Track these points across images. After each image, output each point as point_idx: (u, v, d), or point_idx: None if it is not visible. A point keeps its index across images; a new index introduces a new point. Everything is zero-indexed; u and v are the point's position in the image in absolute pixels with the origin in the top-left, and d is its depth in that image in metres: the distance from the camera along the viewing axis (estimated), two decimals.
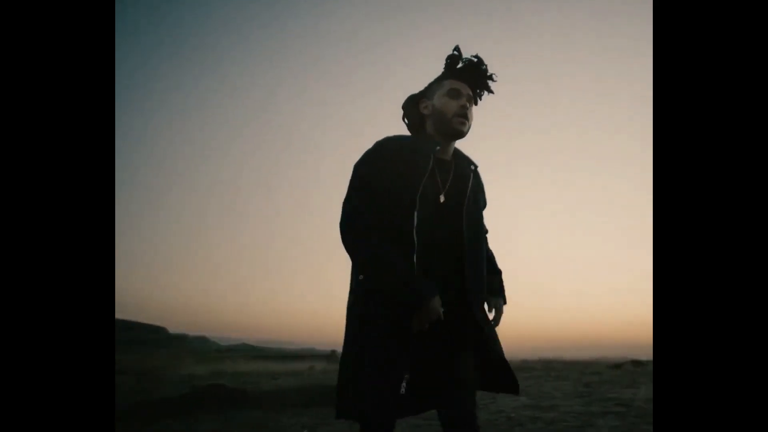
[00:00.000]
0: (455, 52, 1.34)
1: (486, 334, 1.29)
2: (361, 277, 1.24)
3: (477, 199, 1.38)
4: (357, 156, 1.30)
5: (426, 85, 1.40)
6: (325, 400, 6.03)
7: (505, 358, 1.31)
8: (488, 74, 1.36)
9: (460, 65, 1.35)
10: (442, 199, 1.29)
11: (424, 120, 1.37)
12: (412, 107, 1.40)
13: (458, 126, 1.32)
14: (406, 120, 1.41)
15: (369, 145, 1.30)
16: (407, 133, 1.42)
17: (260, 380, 9.21)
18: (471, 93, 1.35)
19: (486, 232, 1.48)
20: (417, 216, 1.21)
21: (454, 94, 1.33)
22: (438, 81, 1.37)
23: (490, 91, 1.37)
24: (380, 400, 1.15)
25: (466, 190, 1.32)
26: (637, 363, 11.19)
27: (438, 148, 1.30)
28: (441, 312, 1.17)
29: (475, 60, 1.33)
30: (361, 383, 1.18)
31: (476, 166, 1.39)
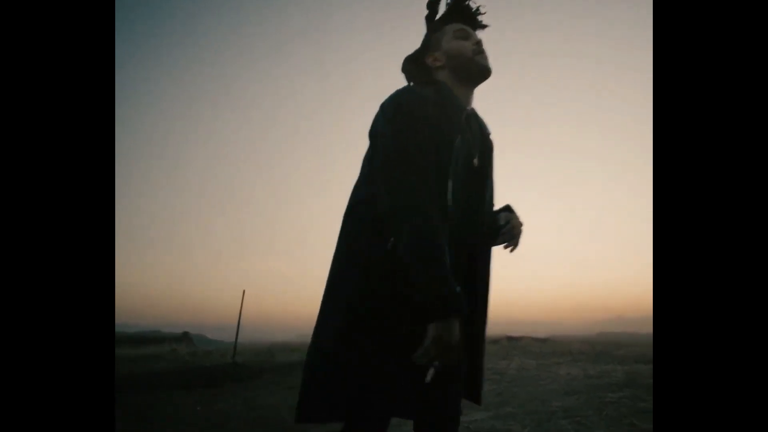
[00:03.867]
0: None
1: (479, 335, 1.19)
2: (390, 245, 1.05)
3: (492, 166, 1.29)
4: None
5: (417, 47, 1.34)
6: (211, 380, 6.19)
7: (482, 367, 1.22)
8: (474, 9, 1.33)
9: (447, 9, 1.33)
10: (476, 162, 1.20)
11: (436, 76, 1.29)
12: (416, 67, 1.32)
13: (482, 61, 1.26)
14: (408, 80, 1.34)
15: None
16: None
17: (128, 365, 8.87)
18: (473, 32, 1.32)
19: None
20: (452, 179, 1.10)
21: (462, 35, 1.29)
22: (435, 31, 1.32)
23: (485, 26, 1.35)
24: (387, 394, 1.03)
25: (491, 153, 1.25)
26: (511, 339, 13.27)
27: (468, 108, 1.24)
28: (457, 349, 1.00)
29: (472, 7, 1.33)
30: (365, 370, 1.04)
31: (489, 132, 1.32)
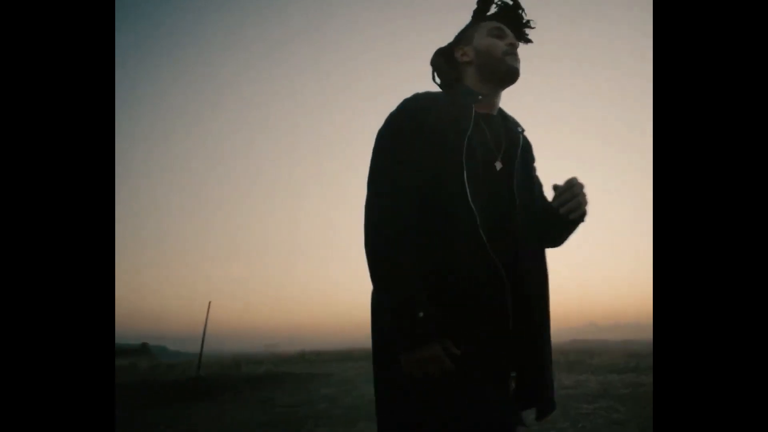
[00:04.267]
0: None
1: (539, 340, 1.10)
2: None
3: (530, 168, 1.22)
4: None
5: (453, 38, 1.29)
6: (175, 396, 5.96)
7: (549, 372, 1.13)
8: (526, 21, 1.28)
9: (495, 7, 1.28)
10: (498, 165, 1.13)
11: (462, 72, 1.24)
12: (444, 61, 1.27)
13: (512, 63, 1.19)
14: (437, 78, 1.28)
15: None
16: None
17: None
18: (509, 33, 1.25)
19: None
20: (468, 183, 1.04)
21: (498, 32, 1.23)
22: (472, 26, 1.27)
23: (529, 40, 1.29)
24: (491, 411, 0.97)
25: (516, 155, 1.16)
26: None
27: (480, 97, 1.17)
28: (442, 358, 0.95)
29: (512, 2, 1.27)
30: (449, 400, 0.96)
31: (523, 129, 1.25)
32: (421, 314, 0.94)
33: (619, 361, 8.27)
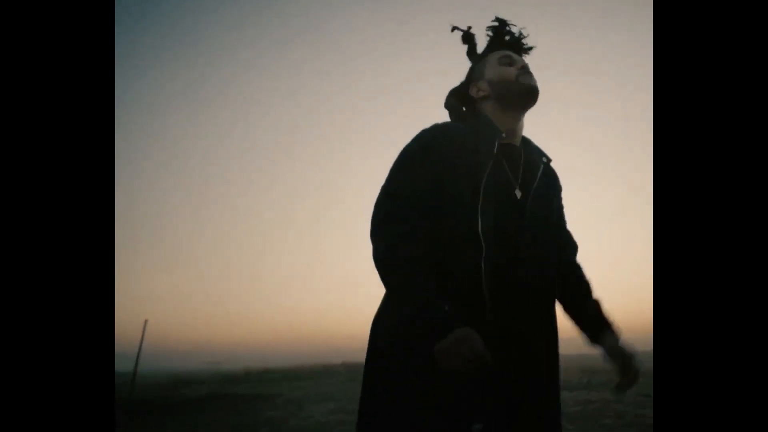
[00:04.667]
0: (495, 22, 1.32)
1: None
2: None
3: (549, 197, 1.22)
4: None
5: (460, 82, 1.34)
6: None
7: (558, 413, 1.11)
8: (519, 35, 1.33)
9: (501, 37, 1.32)
10: (518, 194, 1.15)
11: (480, 108, 1.26)
12: (459, 100, 1.31)
13: (528, 80, 1.22)
14: (451, 115, 1.32)
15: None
16: None
17: None
18: (517, 58, 1.29)
19: (572, 246, 1.29)
20: (482, 212, 1.05)
21: (507, 61, 1.26)
22: (480, 61, 1.31)
23: (530, 48, 1.35)
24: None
25: (533, 183, 1.17)
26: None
27: (503, 134, 1.18)
28: (478, 349, 0.93)
29: (516, 32, 1.32)
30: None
31: (549, 159, 1.26)
32: (447, 308, 0.96)
33: (572, 377, 8.35)
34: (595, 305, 1.24)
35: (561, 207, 1.30)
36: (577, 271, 1.28)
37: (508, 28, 1.32)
